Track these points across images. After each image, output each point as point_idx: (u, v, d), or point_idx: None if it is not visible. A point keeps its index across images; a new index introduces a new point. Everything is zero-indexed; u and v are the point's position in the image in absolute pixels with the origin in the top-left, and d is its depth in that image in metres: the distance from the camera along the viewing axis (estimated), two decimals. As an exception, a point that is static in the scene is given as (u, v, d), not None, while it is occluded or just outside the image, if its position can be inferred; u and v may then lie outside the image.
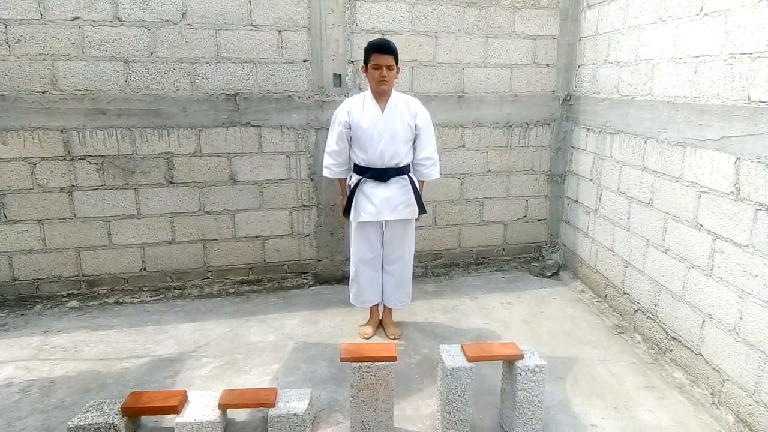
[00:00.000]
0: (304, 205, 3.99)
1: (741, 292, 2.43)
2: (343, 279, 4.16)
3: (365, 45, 2.97)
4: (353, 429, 2.35)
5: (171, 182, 3.77)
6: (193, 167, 3.77)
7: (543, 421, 2.40)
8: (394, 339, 3.25)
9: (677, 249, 2.92)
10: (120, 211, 3.74)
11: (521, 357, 2.32)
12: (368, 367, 2.27)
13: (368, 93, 3.05)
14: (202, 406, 2.43)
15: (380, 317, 3.44)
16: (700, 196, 2.72)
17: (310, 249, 4.08)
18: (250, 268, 4.01)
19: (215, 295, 3.94)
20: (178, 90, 3.64)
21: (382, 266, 3.27)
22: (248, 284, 4.01)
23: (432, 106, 3.94)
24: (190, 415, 2.37)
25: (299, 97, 3.78)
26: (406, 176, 3.09)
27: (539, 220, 4.49)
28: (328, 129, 3.84)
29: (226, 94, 3.70)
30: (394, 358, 2.29)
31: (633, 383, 2.87)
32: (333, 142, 3.11)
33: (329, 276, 4.15)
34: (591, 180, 3.93)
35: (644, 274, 3.25)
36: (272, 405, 2.41)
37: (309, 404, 2.46)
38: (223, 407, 2.42)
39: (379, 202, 3.05)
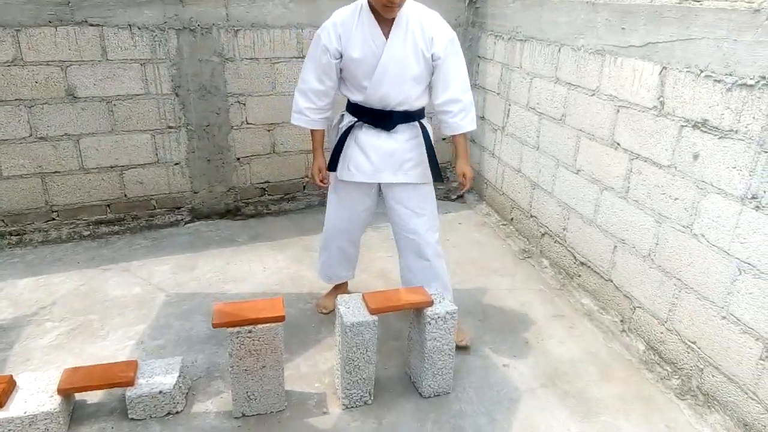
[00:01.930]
0: (170, 127, 3.30)
1: (659, 216, 2.26)
2: (227, 213, 3.62)
3: None
4: (235, 402, 1.95)
5: (-15, 100, 2.90)
6: (14, 80, 2.91)
7: (453, 368, 2.16)
8: (465, 344, 2.37)
9: (590, 169, 2.71)
10: None
11: (430, 304, 2.01)
12: (249, 332, 1.84)
13: (365, 3, 2.05)
14: (36, 393, 1.90)
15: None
16: (618, 111, 2.47)
17: (183, 179, 3.45)
18: (108, 206, 3.32)
19: (65, 240, 3.24)
20: (-24, -27, 2.70)
21: (399, 251, 2.40)
22: (107, 224, 3.34)
23: (321, 4, 3.33)
24: (18, 407, 1.84)
25: (151, -12, 2.99)
26: (416, 123, 2.23)
27: (444, 138, 4.14)
28: (192, 30, 3.15)
29: (49, -18, 2.82)
30: (281, 318, 1.87)
31: (542, 312, 2.72)
32: (312, 78, 2.14)
33: (209, 210, 3.57)
34: (498, 94, 3.59)
35: (553, 196, 3.05)
36: (130, 383, 1.94)
37: (180, 376, 2.02)
38: (63, 392, 1.90)
39: (379, 157, 2.19)
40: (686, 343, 2.14)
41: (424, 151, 2.22)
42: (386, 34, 2.03)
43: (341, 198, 2.37)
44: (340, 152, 2.25)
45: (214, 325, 1.82)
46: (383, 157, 2.21)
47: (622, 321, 2.52)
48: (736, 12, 1.84)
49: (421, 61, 2.07)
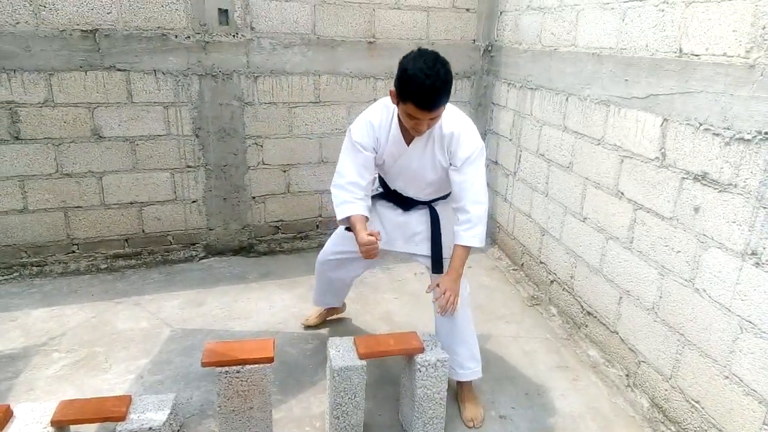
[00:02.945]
0: (189, 166, 3.43)
1: (662, 268, 2.21)
2: (240, 250, 3.70)
3: (403, 69, 1.85)
4: (223, 442, 1.96)
5: (17, 138, 3.08)
6: (44, 120, 3.09)
7: (447, 417, 2.12)
8: (473, 426, 2.21)
9: (596, 218, 2.68)
10: (-48, 173, 3.04)
11: (421, 350, 1.99)
12: (237, 372, 1.86)
13: (396, 111, 2.07)
14: (30, 424, 1.94)
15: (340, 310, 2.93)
16: (622, 161, 2.46)
17: (199, 216, 3.55)
18: (126, 240, 3.44)
19: (83, 272, 3.35)
20: (18, 23, 2.91)
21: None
22: (124, 258, 3.45)
23: (339, 53, 3.46)
24: (13, 436, 1.89)
25: (176, 37, 3.16)
26: (427, 207, 2.29)
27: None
28: (214, 76, 3.30)
29: (83, 30, 3.01)
30: (270, 360, 1.89)
31: (546, 363, 2.66)
32: (353, 172, 2.11)
33: (223, 247, 3.66)
34: (511, 140, 3.62)
35: (561, 243, 3.02)
36: (122, 418, 1.96)
37: (171, 413, 2.03)
38: (57, 424, 1.94)
39: (392, 227, 2.30)
40: (690, 402, 2.06)
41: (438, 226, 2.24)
42: (408, 141, 2.09)
43: (341, 243, 2.43)
44: None
45: (203, 364, 1.85)
46: (395, 228, 2.31)
47: (627, 375, 2.44)
48: (732, 67, 1.84)
49: (438, 169, 2.12)
